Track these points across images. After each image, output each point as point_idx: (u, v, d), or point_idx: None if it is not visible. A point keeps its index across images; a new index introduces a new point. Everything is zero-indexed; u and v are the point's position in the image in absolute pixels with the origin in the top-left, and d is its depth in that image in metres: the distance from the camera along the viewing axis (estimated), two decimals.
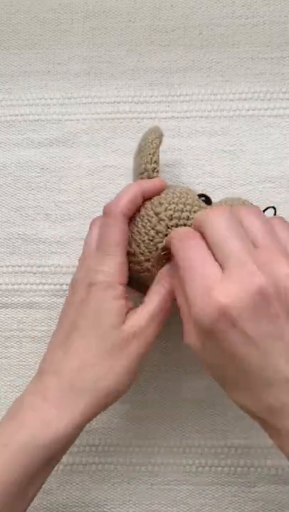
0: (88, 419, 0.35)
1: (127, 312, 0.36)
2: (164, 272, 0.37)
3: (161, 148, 0.47)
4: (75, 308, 0.36)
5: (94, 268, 0.36)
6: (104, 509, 0.44)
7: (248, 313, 0.29)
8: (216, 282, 0.30)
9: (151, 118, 0.47)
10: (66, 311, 0.37)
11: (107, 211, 0.38)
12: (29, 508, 0.44)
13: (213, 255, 0.31)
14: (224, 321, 0.29)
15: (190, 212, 0.37)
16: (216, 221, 0.32)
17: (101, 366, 0.34)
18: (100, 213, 0.47)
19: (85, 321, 0.35)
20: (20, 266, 0.47)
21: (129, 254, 0.38)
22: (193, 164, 0.47)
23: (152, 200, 0.38)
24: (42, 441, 0.33)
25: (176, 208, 0.37)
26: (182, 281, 0.32)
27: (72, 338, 0.35)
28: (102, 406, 0.35)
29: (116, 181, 0.47)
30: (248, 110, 0.47)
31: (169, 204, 0.37)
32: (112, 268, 0.36)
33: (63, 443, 0.34)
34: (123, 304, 0.35)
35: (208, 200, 0.40)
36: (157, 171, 0.39)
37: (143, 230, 0.38)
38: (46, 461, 0.34)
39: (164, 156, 0.47)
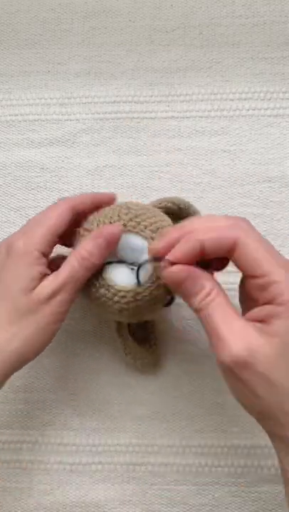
0: None
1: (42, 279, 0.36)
2: (79, 246, 0.36)
3: (161, 148, 0.47)
4: None
5: (18, 235, 0.37)
6: (104, 509, 0.44)
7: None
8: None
9: (152, 118, 0.47)
10: None
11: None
12: (30, 507, 0.45)
13: None
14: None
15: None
16: None
17: (8, 329, 0.35)
18: None
19: (0, 285, 0.36)
20: None
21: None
22: (193, 164, 0.47)
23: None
24: None
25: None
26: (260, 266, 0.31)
27: None
28: (8, 369, 0.36)
29: (116, 181, 0.47)
30: (248, 110, 0.47)
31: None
32: (34, 237, 0.36)
33: None
34: (37, 271, 0.35)
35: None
36: None
37: None
38: None
39: (164, 156, 0.47)
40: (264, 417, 0.31)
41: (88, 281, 0.37)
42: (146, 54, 0.48)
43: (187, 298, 0.32)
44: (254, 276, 0.31)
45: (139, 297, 0.36)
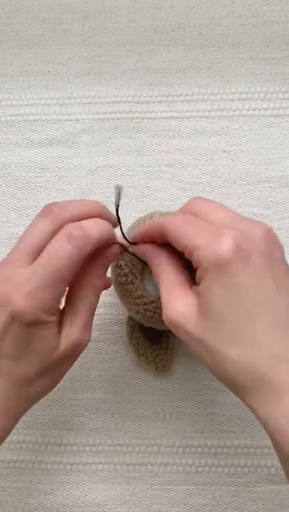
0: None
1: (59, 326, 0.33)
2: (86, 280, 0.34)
3: (161, 148, 0.47)
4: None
5: (19, 292, 0.31)
6: (104, 509, 0.44)
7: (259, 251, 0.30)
8: (222, 227, 0.31)
9: (152, 118, 0.47)
10: None
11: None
12: (30, 507, 0.45)
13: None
14: (240, 255, 0.29)
15: None
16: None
17: (34, 385, 0.33)
18: None
19: (14, 349, 0.32)
20: None
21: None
22: (193, 164, 0.47)
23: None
24: None
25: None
26: (182, 240, 0.31)
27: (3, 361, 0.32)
28: (28, 408, 0.34)
29: (116, 181, 0.47)
30: (248, 110, 0.47)
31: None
32: (39, 300, 0.31)
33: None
34: (54, 332, 0.32)
35: None
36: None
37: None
38: None
39: (164, 156, 0.47)
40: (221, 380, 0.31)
41: (126, 275, 0.38)
42: (146, 54, 0.48)
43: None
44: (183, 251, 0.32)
45: (158, 310, 0.38)
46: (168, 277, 0.33)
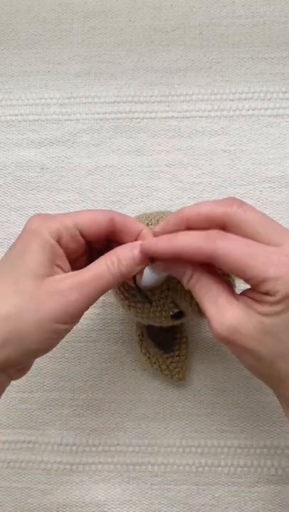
0: None
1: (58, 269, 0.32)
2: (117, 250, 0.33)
3: (161, 148, 0.47)
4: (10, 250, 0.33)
5: (37, 217, 0.33)
6: (104, 509, 0.44)
7: None
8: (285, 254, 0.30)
9: (152, 118, 0.47)
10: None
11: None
12: (30, 507, 0.45)
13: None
14: None
15: None
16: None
17: (11, 302, 0.31)
18: None
19: (7, 257, 0.33)
20: None
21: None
22: (193, 164, 0.47)
23: None
24: None
25: None
26: (246, 271, 0.30)
27: None
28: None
29: (116, 181, 0.47)
30: (248, 110, 0.47)
31: None
32: (52, 220, 0.32)
33: None
34: (48, 258, 0.31)
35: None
36: None
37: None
38: None
39: (165, 156, 0.47)
40: (264, 381, 0.33)
41: None
42: (146, 54, 0.48)
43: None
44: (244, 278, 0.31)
45: (145, 301, 0.37)
46: (209, 288, 0.32)
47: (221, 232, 0.31)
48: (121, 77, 0.48)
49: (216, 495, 0.44)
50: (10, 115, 0.48)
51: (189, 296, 0.36)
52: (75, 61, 0.48)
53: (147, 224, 0.39)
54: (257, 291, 0.30)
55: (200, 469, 0.44)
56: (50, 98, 0.48)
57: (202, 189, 0.47)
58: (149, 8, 0.48)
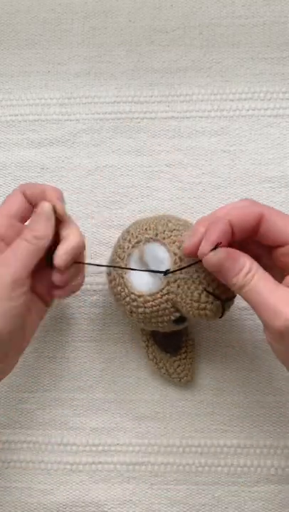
0: None
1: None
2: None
3: (161, 148, 0.47)
4: None
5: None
6: (104, 509, 0.44)
7: None
8: None
9: (152, 118, 0.48)
10: None
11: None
12: (30, 507, 0.45)
13: None
14: None
15: None
16: None
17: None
18: (99, 213, 0.47)
19: None
20: None
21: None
22: (193, 164, 0.47)
23: None
24: None
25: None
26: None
27: None
28: None
29: (116, 181, 0.47)
30: (248, 110, 0.47)
31: None
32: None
33: None
34: None
35: None
36: None
37: None
38: None
39: (165, 156, 0.47)
40: None
41: (114, 279, 0.39)
42: (147, 54, 0.48)
43: (228, 278, 0.33)
44: (282, 245, 0.33)
45: (147, 304, 0.38)
46: (267, 280, 0.33)
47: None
48: (121, 77, 0.48)
49: (216, 495, 0.44)
50: (10, 115, 0.48)
51: (190, 300, 0.36)
52: (75, 61, 0.48)
53: (145, 229, 0.39)
54: None
55: (200, 469, 0.44)
56: (50, 98, 0.48)
57: (202, 189, 0.47)
58: (149, 9, 0.48)
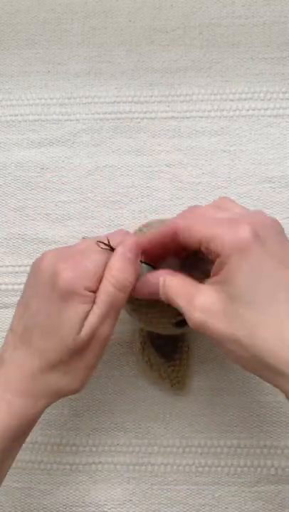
0: (47, 406, 0.36)
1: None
2: (111, 266, 0.35)
3: (161, 148, 0.47)
4: (39, 300, 0.35)
5: (64, 265, 0.34)
6: (104, 509, 0.44)
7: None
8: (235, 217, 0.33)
9: (152, 118, 0.48)
10: (28, 298, 0.36)
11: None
12: (30, 507, 0.45)
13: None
14: (257, 239, 0.30)
15: None
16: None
17: (61, 369, 0.35)
18: (99, 213, 0.47)
19: (46, 320, 0.34)
20: (20, 266, 0.47)
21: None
22: (193, 164, 0.47)
23: None
24: (8, 427, 0.34)
25: None
26: (196, 233, 0.32)
27: (32, 333, 0.35)
28: (58, 398, 0.36)
29: (116, 181, 0.47)
30: (248, 110, 0.47)
31: None
32: (82, 273, 0.34)
33: (28, 427, 0.36)
34: (84, 311, 0.34)
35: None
36: None
37: None
38: (11, 444, 0.35)
39: (165, 156, 0.47)
40: (253, 371, 0.32)
41: None
42: (147, 54, 0.48)
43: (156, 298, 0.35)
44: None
45: (150, 306, 0.38)
46: (177, 285, 0.34)
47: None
48: (121, 77, 0.48)
49: (216, 495, 0.44)
50: (10, 115, 0.48)
51: None
52: (75, 61, 0.48)
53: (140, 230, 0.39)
54: (212, 258, 0.32)
55: (200, 469, 0.44)
56: (50, 98, 0.48)
57: (202, 189, 0.47)
58: (149, 9, 0.48)
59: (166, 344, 0.43)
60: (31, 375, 0.35)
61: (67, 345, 0.34)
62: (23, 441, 0.37)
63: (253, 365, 0.31)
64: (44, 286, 0.35)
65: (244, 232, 0.30)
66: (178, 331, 0.40)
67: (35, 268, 0.36)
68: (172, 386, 0.44)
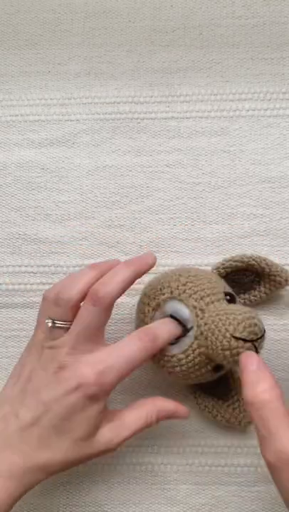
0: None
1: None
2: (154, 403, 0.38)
3: (161, 148, 0.47)
4: (47, 392, 0.35)
5: (88, 368, 0.35)
6: (104, 509, 0.44)
7: None
8: None
9: (152, 118, 0.48)
10: (30, 377, 0.36)
11: (95, 298, 0.36)
12: (30, 507, 0.45)
13: None
14: None
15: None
16: None
17: (67, 464, 0.35)
18: (99, 213, 0.47)
19: (57, 416, 0.34)
20: (20, 266, 0.47)
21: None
22: (193, 164, 0.47)
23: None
24: None
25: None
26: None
27: (43, 426, 0.35)
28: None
29: (116, 181, 0.47)
30: (248, 110, 0.47)
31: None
32: (108, 382, 0.35)
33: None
34: (101, 415, 0.36)
35: (232, 299, 0.39)
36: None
37: None
38: None
39: (165, 156, 0.47)
40: None
41: None
42: (147, 54, 0.48)
43: (243, 384, 0.33)
44: None
45: (182, 362, 0.38)
46: (274, 411, 0.31)
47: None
48: (121, 78, 0.48)
49: (216, 494, 0.44)
50: (10, 115, 0.48)
51: (221, 350, 0.35)
52: (75, 61, 0.48)
53: (160, 289, 0.38)
54: None
55: (200, 469, 0.44)
56: (51, 98, 0.48)
57: (202, 189, 0.47)
58: (149, 9, 0.48)
59: (217, 385, 0.42)
60: (32, 465, 0.35)
61: (80, 445, 0.35)
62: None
63: None
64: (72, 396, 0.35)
65: None
66: (220, 374, 0.39)
67: (34, 343, 0.38)
68: (240, 424, 0.42)
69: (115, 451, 0.45)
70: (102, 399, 0.35)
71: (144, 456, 0.45)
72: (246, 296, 0.43)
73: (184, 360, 0.37)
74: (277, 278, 0.42)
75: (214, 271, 0.43)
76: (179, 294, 0.38)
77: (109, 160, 0.47)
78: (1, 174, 0.48)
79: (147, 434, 0.45)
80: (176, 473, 0.44)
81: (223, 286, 0.39)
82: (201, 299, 0.37)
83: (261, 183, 0.46)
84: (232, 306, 0.37)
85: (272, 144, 0.47)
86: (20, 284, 0.46)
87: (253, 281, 0.43)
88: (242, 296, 0.43)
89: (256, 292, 0.43)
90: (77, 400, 0.34)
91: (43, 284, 0.46)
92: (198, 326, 0.37)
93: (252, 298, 0.43)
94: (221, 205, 0.46)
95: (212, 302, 0.37)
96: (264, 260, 0.42)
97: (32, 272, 0.46)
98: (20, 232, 0.47)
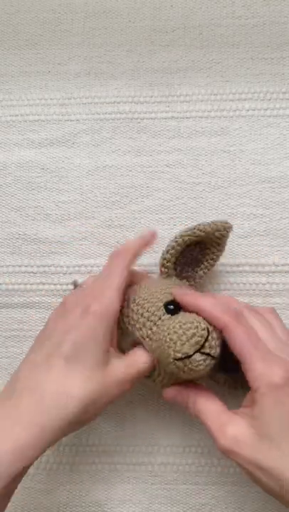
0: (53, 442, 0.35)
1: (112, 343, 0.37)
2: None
3: (161, 148, 0.47)
4: (63, 329, 0.36)
5: (89, 298, 0.37)
6: (104, 509, 0.44)
7: None
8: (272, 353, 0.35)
9: (152, 118, 0.48)
10: (51, 328, 0.37)
11: (115, 254, 0.39)
12: (30, 507, 0.45)
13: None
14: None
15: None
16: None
17: (81, 400, 0.35)
18: (99, 213, 0.47)
19: (71, 347, 0.35)
20: (20, 266, 0.47)
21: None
22: (193, 165, 0.47)
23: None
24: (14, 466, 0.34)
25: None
26: (246, 356, 0.35)
27: (55, 360, 0.35)
28: (66, 434, 0.36)
29: (116, 181, 0.47)
30: (248, 110, 0.47)
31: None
32: (107, 300, 0.36)
33: (30, 464, 0.35)
34: (111, 340, 0.36)
35: (175, 309, 0.38)
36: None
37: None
38: (12, 479, 0.35)
39: (165, 156, 0.47)
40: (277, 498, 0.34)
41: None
42: (147, 54, 0.48)
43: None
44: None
45: (163, 383, 0.38)
46: (209, 411, 0.36)
47: (239, 317, 0.36)
48: (121, 78, 0.48)
49: (216, 494, 0.44)
50: (10, 115, 0.48)
51: (177, 372, 0.36)
52: (75, 61, 0.48)
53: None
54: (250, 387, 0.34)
55: (200, 469, 0.44)
56: (51, 98, 0.48)
57: (202, 189, 0.47)
58: (149, 9, 0.48)
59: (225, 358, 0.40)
60: (47, 405, 0.34)
61: (93, 375, 0.35)
62: (22, 477, 0.37)
63: (273, 492, 0.33)
64: (72, 314, 0.37)
65: (278, 377, 0.33)
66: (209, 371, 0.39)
67: (63, 302, 0.39)
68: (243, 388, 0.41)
69: (115, 452, 0.45)
70: (105, 318, 0.36)
71: (144, 456, 0.45)
72: (202, 267, 0.42)
73: (160, 383, 0.38)
74: (219, 232, 0.40)
75: (162, 269, 0.41)
76: (134, 325, 0.38)
77: (109, 160, 0.47)
78: (1, 174, 0.48)
79: (147, 434, 0.45)
80: (176, 473, 0.44)
81: (166, 295, 0.38)
82: (144, 325, 0.37)
83: (261, 183, 0.46)
84: (170, 320, 0.36)
85: (272, 144, 0.47)
86: (20, 284, 0.46)
87: (200, 254, 0.42)
88: (198, 270, 0.42)
89: (207, 257, 0.42)
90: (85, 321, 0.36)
91: (43, 284, 0.46)
92: (153, 352, 0.37)
93: (207, 264, 0.42)
94: (221, 205, 0.46)
95: (155, 324, 0.37)
96: (198, 225, 0.40)
97: (32, 272, 0.46)
98: (20, 232, 0.47)
